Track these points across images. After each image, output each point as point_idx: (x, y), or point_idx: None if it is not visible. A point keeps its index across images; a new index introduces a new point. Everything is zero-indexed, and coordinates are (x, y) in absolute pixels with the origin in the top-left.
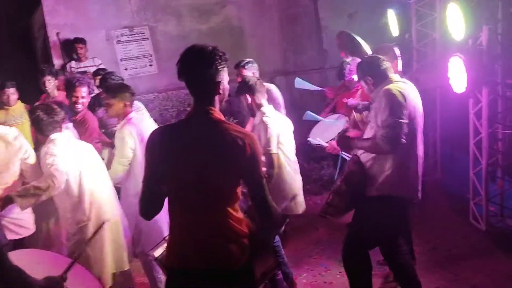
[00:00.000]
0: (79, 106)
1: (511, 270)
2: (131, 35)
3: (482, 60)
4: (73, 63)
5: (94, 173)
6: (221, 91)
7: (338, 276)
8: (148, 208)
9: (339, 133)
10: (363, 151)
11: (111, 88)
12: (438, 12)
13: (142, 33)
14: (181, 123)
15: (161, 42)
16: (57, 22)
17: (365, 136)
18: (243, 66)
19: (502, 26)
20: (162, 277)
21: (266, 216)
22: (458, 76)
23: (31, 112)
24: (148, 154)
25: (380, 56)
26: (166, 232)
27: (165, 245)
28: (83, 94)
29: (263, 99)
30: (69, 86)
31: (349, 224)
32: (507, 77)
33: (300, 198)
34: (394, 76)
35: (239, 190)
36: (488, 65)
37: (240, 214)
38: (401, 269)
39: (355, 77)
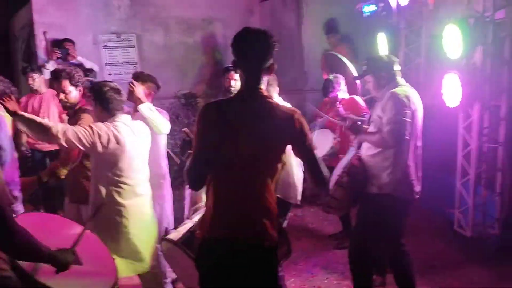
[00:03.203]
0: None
1: (490, 277)
2: (118, 41)
3: (476, 78)
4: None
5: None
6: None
7: (326, 281)
8: (198, 179)
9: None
10: (365, 150)
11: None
12: (423, 38)
13: (129, 40)
14: (234, 99)
15: (146, 51)
16: (45, 21)
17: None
18: (234, 70)
19: (492, 48)
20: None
21: (322, 182)
22: (452, 92)
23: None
24: (201, 126)
25: (394, 59)
26: (172, 222)
27: (181, 228)
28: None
29: (275, 93)
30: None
31: (332, 235)
32: (495, 95)
33: (300, 190)
34: (401, 80)
35: (280, 165)
36: (480, 82)
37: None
38: (402, 268)
39: (339, 94)
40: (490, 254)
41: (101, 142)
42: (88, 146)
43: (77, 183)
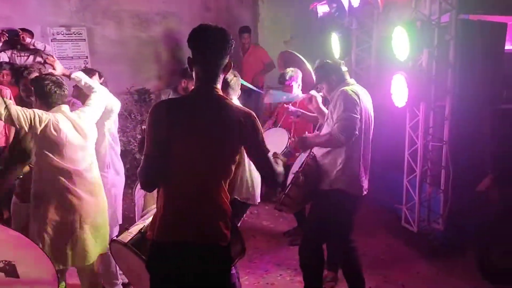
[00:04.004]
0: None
1: (435, 271)
2: (67, 34)
3: (422, 79)
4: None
5: None
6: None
7: (279, 278)
8: (150, 180)
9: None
10: (318, 148)
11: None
12: (374, 40)
13: (79, 34)
14: (187, 98)
15: (98, 45)
16: None
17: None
18: (190, 69)
19: (437, 51)
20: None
21: (275, 183)
22: (399, 93)
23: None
24: (153, 125)
25: (339, 60)
26: (120, 221)
27: (133, 229)
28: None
29: (234, 96)
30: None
31: (287, 232)
32: (440, 96)
33: (259, 191)
34: (351, 80)
35: (234, 166)
36: (426, 83)
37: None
38: (350, 263)
39: (294, 85)
40: (435, 248)
41: (39, 124)
42: (26, 125)
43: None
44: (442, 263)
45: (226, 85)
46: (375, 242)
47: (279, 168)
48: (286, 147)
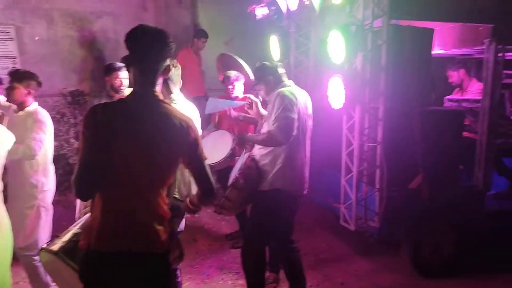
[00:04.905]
0: None
1: (372, 267)
2: None
3: (357, 82)
4: None
5: None
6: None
7: (221, 282)
8: (85, 188)
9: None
10: (258, 149)
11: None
12: (312, 42)
13: (7, 32)
14: (125, 101)
15: (28, 44)
16: None
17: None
18: (126, 68)
19: (371, 55)
20: (49, 278)
21: (210, 194)
22: (336, 95)
23: None
24: (88, 131)
25: (277, 63)
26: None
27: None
28: None
29: (175, 88)
30: None
31: (229, 235)
32: (374, 98)
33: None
34: (288, 82)
35: (174, 172)
36: (361, 86)
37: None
38: (291, 263)
39: (237, 86)
40: (371, 245)
41: None
42: None
43: None
44: (378, 259)
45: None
46: (315, 242)
47: (212, 178)
48: (231, 149)
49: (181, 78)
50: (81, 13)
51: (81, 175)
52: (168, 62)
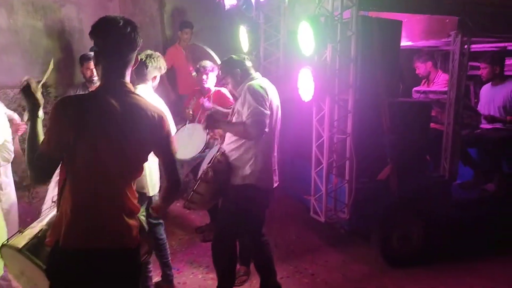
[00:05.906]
0: None
1: (342, 258)
2: None
3: (326, 74)
4: None
5: None
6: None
7: (191, 276)
8: (43, 174)
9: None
10: (227, 144)
11: None
12: (282, 34)
13: None
14: (94, 94)
15: None
16: None
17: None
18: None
19: (340, 46)
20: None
21: (176, 186)
22: (306, 86)
23: None
24: (55, 123)
25: (244, 55)
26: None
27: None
28: None
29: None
30: None
31: (199, 228)
32: (343, 90)
33: (155, 179)
34: (256, 74)
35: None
36: (330, 78)
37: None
38: (262, 256)
39: (211, 77)
40: (341, 237)
41: None
42: None
43: None
44: (348, 250)
45: (142, 67)
46: (285, 233)
47: (179, 172)
48: (205, 143)
49: (171, 76)
50: (43, 1)
51: (40, 166)
52: (136, 53)
